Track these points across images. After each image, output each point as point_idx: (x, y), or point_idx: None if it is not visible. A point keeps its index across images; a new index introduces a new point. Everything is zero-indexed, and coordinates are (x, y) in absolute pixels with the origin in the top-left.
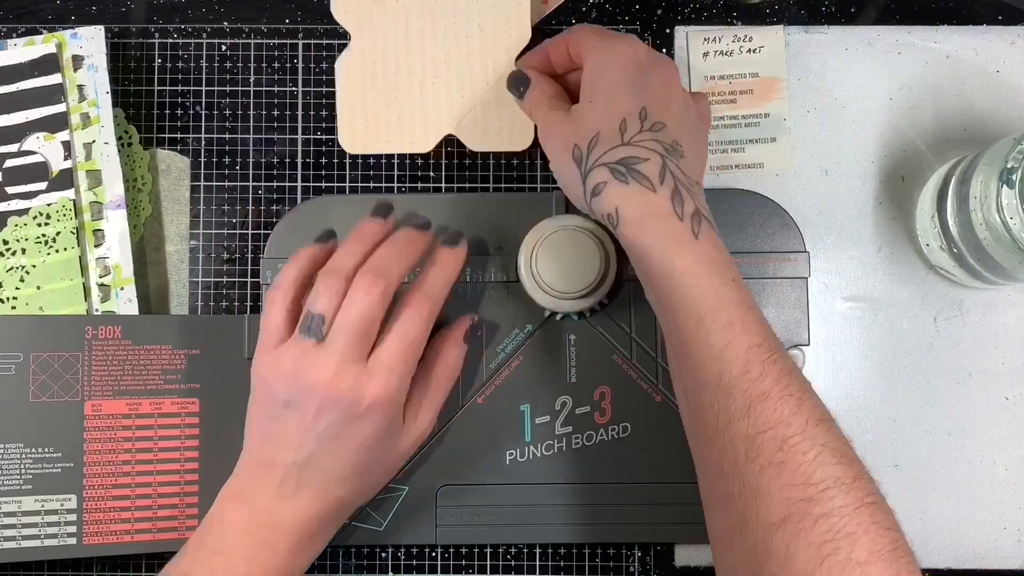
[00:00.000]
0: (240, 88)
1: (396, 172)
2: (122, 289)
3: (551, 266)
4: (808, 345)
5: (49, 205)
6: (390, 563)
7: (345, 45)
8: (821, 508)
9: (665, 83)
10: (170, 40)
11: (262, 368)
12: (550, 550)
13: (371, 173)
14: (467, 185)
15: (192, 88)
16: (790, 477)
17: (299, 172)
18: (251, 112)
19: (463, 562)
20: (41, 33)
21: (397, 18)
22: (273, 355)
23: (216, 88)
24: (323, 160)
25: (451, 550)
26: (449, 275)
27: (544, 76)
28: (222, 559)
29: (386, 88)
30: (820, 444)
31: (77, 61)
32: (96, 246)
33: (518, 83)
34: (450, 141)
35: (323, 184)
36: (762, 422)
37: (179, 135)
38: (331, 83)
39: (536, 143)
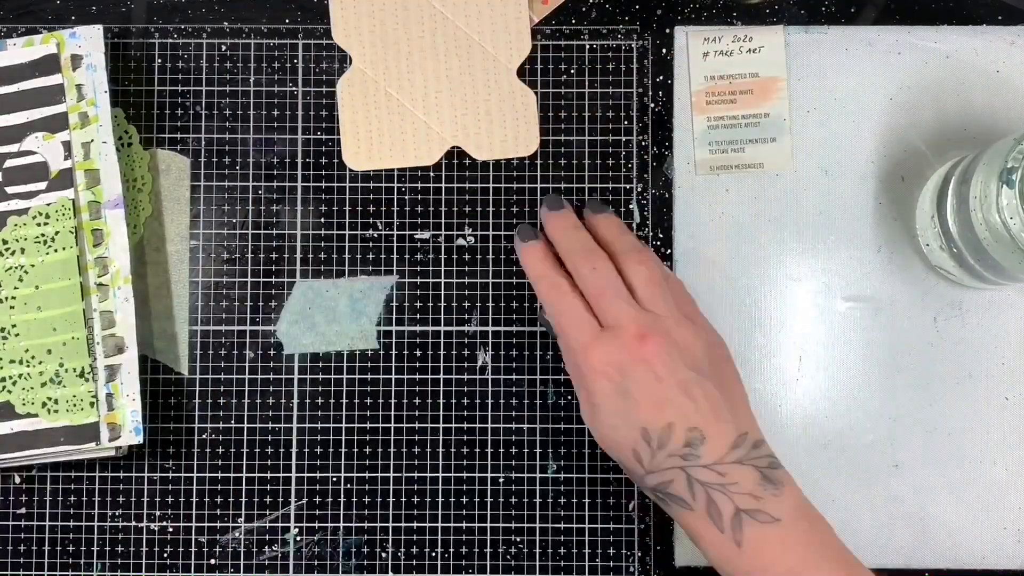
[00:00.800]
0: (240, 88)
1: (396, 171)
2: (120, 288)
3: None
4: None
5: (48, 205)
6: (390, 563)
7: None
8: None
9: (648, 375)
10: (170, 40)
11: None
12: (550, 550)
13: (371, 173)
14: (468, 185)
15: (192, 88)
16: None
17: (299, 172)
18: (251, 112)
19: (463, 562)
20: (41, 33)
21: (397, 37)
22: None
23: (216, 88)
24: (323, 160)
25: (451, 550)
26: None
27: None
28: None
29: (388, 104)
30: None
31: (76, 60)
32: (95, 245)
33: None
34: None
35: (323, 184)
36: None
37: (179, 135)
38: (331, 83)
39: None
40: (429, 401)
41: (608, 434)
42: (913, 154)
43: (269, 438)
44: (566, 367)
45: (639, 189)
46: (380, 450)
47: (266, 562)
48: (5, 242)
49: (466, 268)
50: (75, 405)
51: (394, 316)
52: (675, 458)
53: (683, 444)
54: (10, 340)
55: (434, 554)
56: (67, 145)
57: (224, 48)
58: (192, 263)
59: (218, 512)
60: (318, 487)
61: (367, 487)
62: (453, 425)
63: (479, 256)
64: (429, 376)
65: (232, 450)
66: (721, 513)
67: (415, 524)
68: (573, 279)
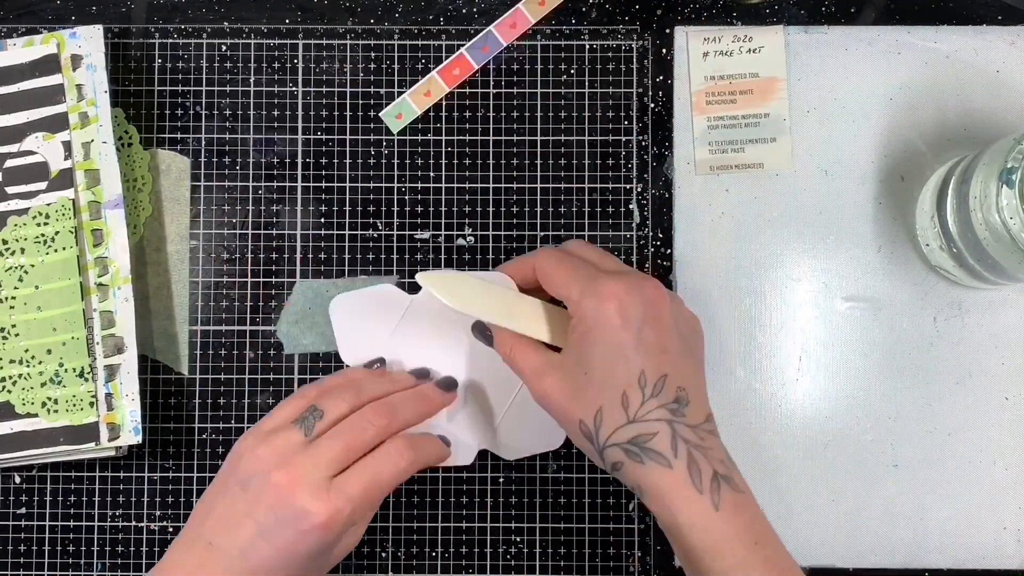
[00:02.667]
0: (240, 88)
1: (396, 172)
2: (119, 288)
3: None
4: None
5: (48, 205)
6: (390, 563)
7: (345, 44)
8: None
9: (656, 322)
10: (170, 40)
11: (243, 445)
12: (550, 550)
13: (371, 173)
14: (468, 185)
15: (192, 88)
16: None
17: (299, 172)
18: (251, 112)
19: (463, 562)
20: (41, 33)
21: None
22: (260, 437)
23: (216, 88)
24: (323, 160)
25: (451, 550)
26: (430, 410)
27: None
28: None
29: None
30: None
31: (76, 60)
32: (95, 245)
33: (481, 329)
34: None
35: (323, 184)
36: None
37: (179, 135)
38: (331, 83)
39: (542, 145)
40: None
41: (598, 374)
42: (913, 154)
43: None
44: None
45: (639, 189)
46: None
47: None
48: (5, 242)
49: (466, 268)
50: (75, 405)
51: None
52: (663, 410)
53: (673, 399)
54: (10, 340)
55: (434, 554)
56: (67, 145)
57: (224, 48)
58: (192, 263)
59: None
60: None
61: None
62: None
63: (479, 256)
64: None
65: None
66: (701, 473)
67: (415, 524)
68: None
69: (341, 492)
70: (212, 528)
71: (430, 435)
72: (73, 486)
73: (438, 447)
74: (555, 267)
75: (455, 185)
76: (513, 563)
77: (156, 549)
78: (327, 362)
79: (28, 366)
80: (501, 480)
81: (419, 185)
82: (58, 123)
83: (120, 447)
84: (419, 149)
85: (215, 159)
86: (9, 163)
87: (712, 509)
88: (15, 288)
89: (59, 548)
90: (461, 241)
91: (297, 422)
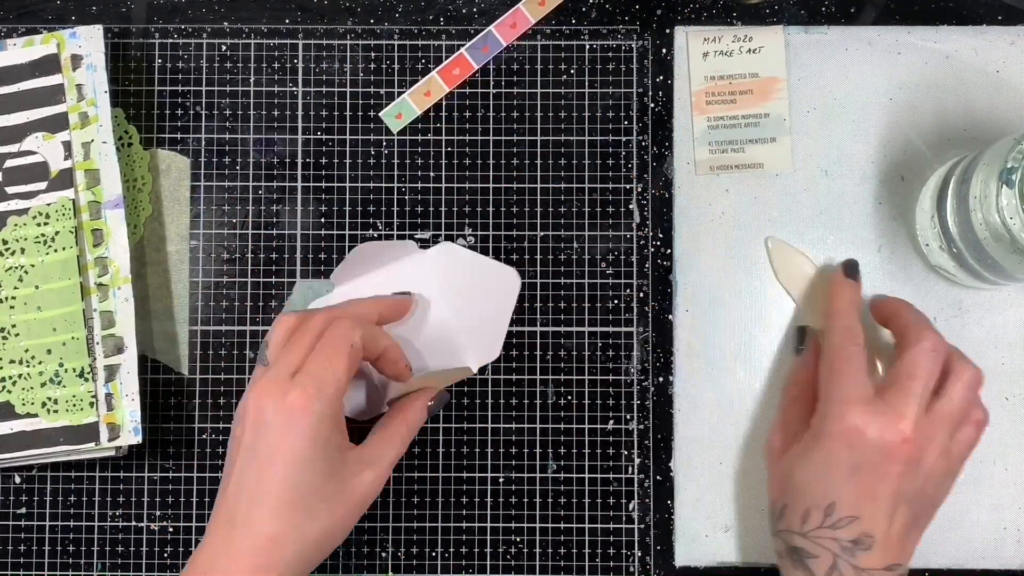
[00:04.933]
0: (240, 88)
1: (396, 172)
2: (119, 288)
3: None
4: None
5: (48, 205)
6: (390, 563)
7: (345, 44)
8: None
9: (878, 474)
10: (170, 40)
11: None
12: (550, 550)
13: (371, 173)
14: (468, 185)
15: (192, 88)
16: None
17: (299, 172)
18: (251, 112)
19: (463, 562)
20: (41, 33)
21: None
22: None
23: (216, 88)
24: (323, 160)
25: (451, 550)
26: (380, 308)
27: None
28: None
29: None
30: None
31: (76, 60)
32: (95, 245)
33: (800, 338)
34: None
35: (323, 184)
36: None
37: (179, 135)
38: (331, 83)
39: (542, 145)
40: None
41: (799, 479)
42: (913, 154)
43: None
44: (787, 389)
45: (639, 189)
46: None
47: None
48: (5, 242)
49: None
50: (75, 405)
51: None
52: (835, 543)
53: (852, 540)
54: (10, 340)
55: (434, 554)
56: (67, 145)
57: (224, 48)
58: (192, 263)
59: None
60: None
61: None
62: (453, 425)
63: None
64: None
65: None
66: None
67: (415, 524)
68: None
69: (302, 374)
70: (221, 488)
71: (377, 300)
72: (73, 486)
73: (380, 301)
74: (838, 359)
75: (455, 185)
76: (513, 563)
77: (156, 549)
78: None
79: (28, 366)
80: (501, 480)
81: (419, 185)
82: (58, 123)
83: (120, 447)
84: (419, 149)
85: (215, 159)
86: (9, 163)
87: None
88: (15, 288)
89: (59, 548)
90: (461, 241)
91: (258, 359)
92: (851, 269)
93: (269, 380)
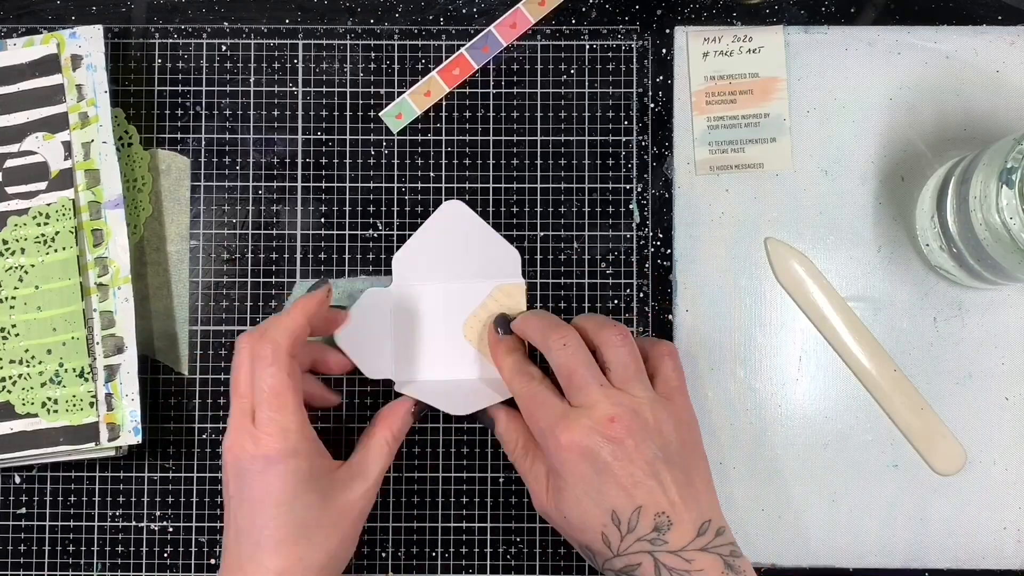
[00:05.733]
0: (240, 88)
1: (396, 172)
2: (120, 288)
3: None
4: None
5: (48, 205)
6: (390, 563)
7: (345, 44)
8: None
9: (622, 456)
10: (170, 40)
11: None
12: (550, 550)
13: (371, 173)
14: (468, 185)
15: (192, 88)
16: None
17: (299, 172)
18: (251, 112)
19: (463, 562)
20: (41, 33)
21: None
22: None
23: (216, 88)
24: (323, 160)
25: (451, 550)
26: (307, 316)
27: (511, 415)
28: None
29: None
30: None
31: (76, 60)
32: (95, 245)
33: (484, 418)
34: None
35: (323, 184)
36: None
37: (179, 135)
38: (331, 83)
39: (542, 145)
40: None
41: (575, 516)
42: (913, 154)
43: None
44: (515, 459)
45: (639, 189)
46: None
47: None
48: (5, 242)
49: None
50: (74, 405)
51: None
52: (643, 542)
53: (651, 529)
54: (10, 340)
55: (434, 554)
56: (67, 145)
57: (224, 48)
58: (192, 263)
59: (218, 512)
60: None
61: None
62: (453, 426)
63: None
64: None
65: None
66: None
67: (415, 524)
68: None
69: (260, 417)
70: (224, 541)
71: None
72: (73, 486)
73: (298, 306)
74: (525, 400)
75: (455, 185)
76: (513, 563)
77: (156, 549)
78: None
79: (28, 366)
80: (501, 480)
81: (419, 185)
82: (58, 123)
83: (120, 447)
84: (419, 149)
85: (215, 159)
86: (9, 163)
87: None
88: (15, 288)
89: (59, 548)
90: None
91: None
92: (502, 325)
93: (234, 429)
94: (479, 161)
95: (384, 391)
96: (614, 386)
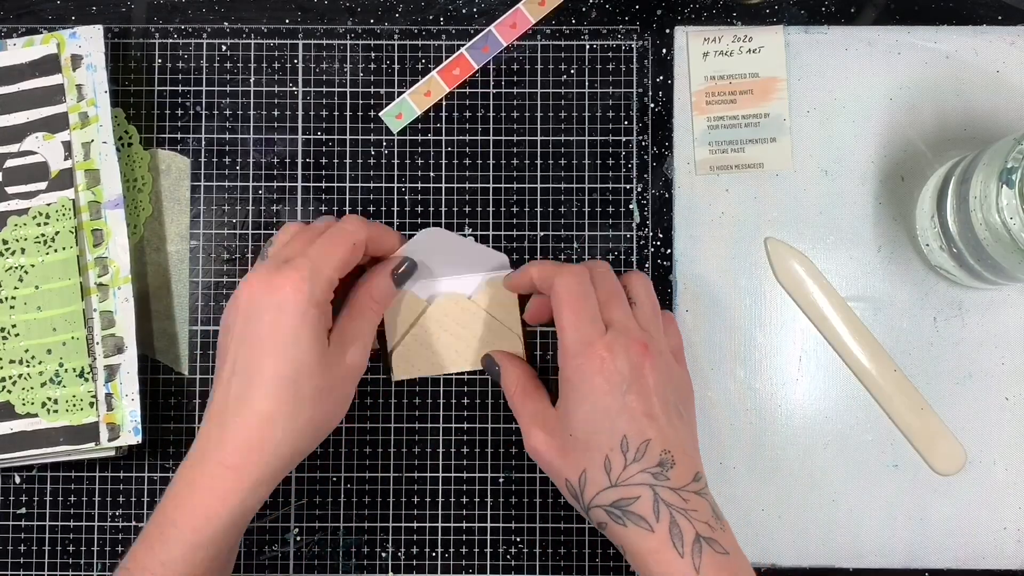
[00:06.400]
0: (240, 88)
1: (396, 172)
2: (120, 288)
3: None
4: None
5: (48, 205)
6: (390, 563)
7: (345, 44)
8: None
9: (641, 386)
10: (170, 40)
11: None
12: (550, 550)
13: (371, 173)
14: (468, 185)
15: (192, 88)
16: None
17: (299, 172)
18: (251, 112)
19: (463, 562)
20: (41, 33)
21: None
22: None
23: (216, 88)
24: (323, 160)
25: (451, 550)
26: (369, 230)
27: (513, 360)
28: (164, 509)
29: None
30: None
31: (76, 60)
32: (95, 245)
33: (491, 364)
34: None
35: (323, 184)
36: None
37: (179, 135)
38: (331, 83)
39: (542, 145)
40: (429, 401)
41: (583, 433)
42: (913, 154)
43: None
44: (514, 402)
45: (639, 189)
46: (380, 450)
47: (266, 562)
48: (5, 242)
49: None
50: (75, 405)
51: None
52: (646, 474)
53: (656, 463)
54: (10, 340)
55: (434, 554)
56: (67, 145)
57: (224, 48)
58: (192, 263)
59: None
60: (318, 487)
61: (367, 487)
62: (453, 425)
63: None
64: (429, 375)
65: None
66: (683, 536)
67: (415, 524)
68: None
69: (300, 259)
70: (216, 374)
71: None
72: (73, 486)
73: (370, 225)
74: (565, 304)
75: (455, 185)
76: (513, 563)
77: None
78: None
79: (28, 366)
80: (501, 480)
81: (419, 185)
82: (58, 123)
83: (120, 447)
84: (419, 149)
85: (215, 159)
86: (9, 163)
87: (693, 571)
88: (15, 288)
89: (59, 548)
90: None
91: (258, 259)
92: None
93: (261, 270)
94: (479, 161)
95: (384, 391)
96: (640, 325)
